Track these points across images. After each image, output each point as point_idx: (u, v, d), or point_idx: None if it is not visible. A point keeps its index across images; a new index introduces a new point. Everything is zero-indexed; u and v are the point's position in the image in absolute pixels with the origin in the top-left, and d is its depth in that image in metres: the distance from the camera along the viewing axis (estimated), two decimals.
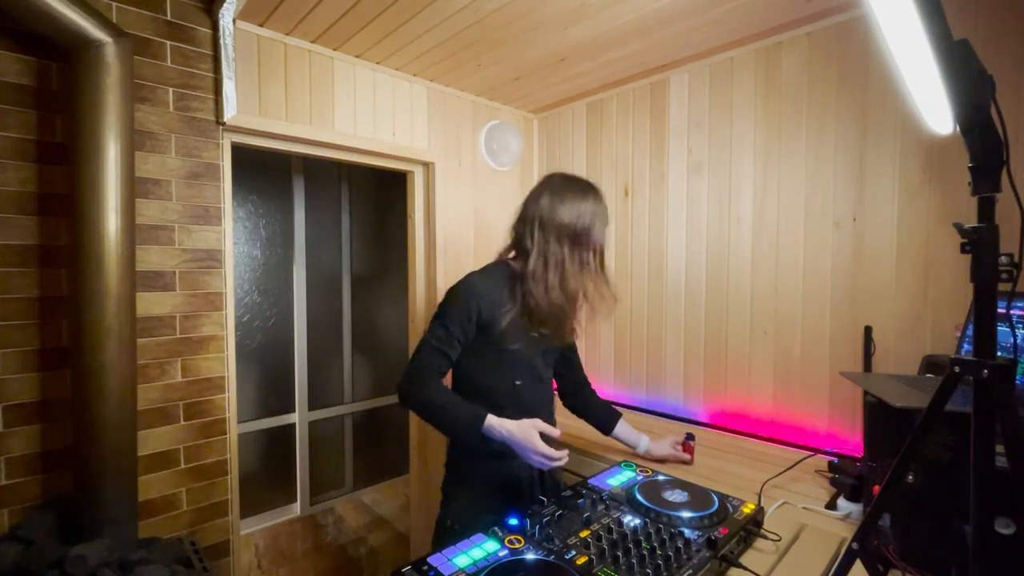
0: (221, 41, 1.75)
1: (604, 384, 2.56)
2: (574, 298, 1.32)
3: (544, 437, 1.20)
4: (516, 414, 1.24)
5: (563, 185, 1.35)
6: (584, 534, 1.02)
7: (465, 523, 1.23)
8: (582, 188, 1.35)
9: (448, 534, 1.28)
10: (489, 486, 1.33)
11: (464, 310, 1.28)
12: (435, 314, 1.33)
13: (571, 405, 1.66)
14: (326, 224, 3.20)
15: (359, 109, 2.19)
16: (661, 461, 1.64)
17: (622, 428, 1.64)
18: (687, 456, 1.64)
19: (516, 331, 1.31)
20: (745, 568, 0.98)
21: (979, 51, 0.70)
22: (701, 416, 2.17)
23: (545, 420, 1.31)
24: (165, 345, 1.70)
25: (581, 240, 1.31)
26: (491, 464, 1.32)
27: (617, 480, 1.29)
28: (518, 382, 1.35)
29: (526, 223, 1.33)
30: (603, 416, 1.65)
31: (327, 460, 3.20)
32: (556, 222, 1.30)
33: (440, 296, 1.43)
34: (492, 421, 1.20)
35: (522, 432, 1.18)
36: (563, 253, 1.30)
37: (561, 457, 1.18)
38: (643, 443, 1.64)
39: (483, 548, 0.97)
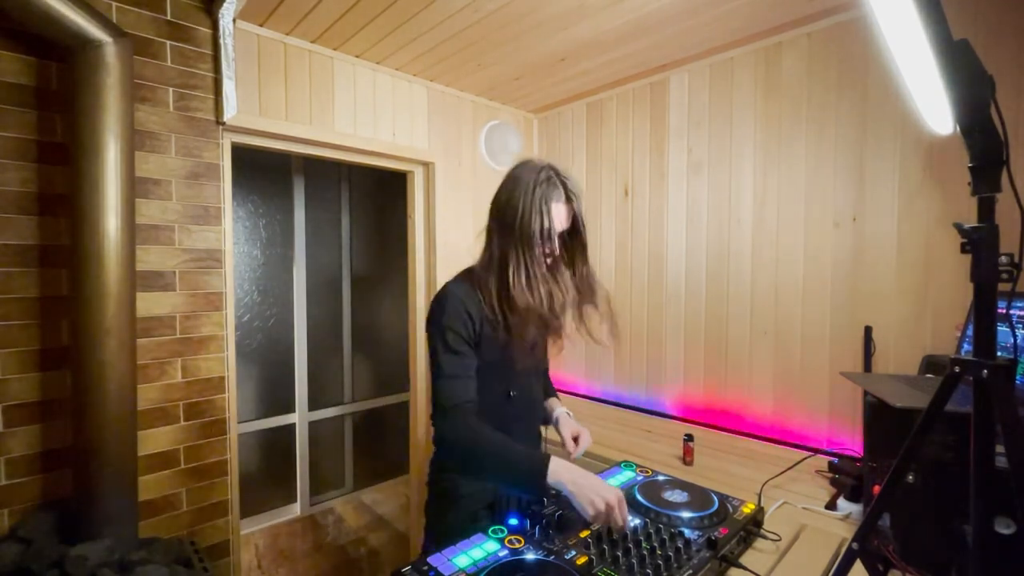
0: (221, 41, 1.75)
1: (604, 384, 2.56)
2: (532, 309, 1.11)
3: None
4: (509, 426, 1.13)
5: (509, 171, 1.18)
6: (584, 534, 1.02)
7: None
8: (516, 169, 1.17)
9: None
10: (476, 506, 1.19)
11: (460, 318, 1.12)
12: (431, 335, 1.15)
13: None
14: (326, 224, 3.20)
15: (359, 109, 2.19)
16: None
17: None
18: (573, 446, 1.30)
19: (497, 341, 1.15)
20: (745, 568, 0.98)
21: (979, 51, 0.70)
22: (701, 416, 2.17)
23: (533, 426, 1.29)
24: (165, 345, 1.70)
25: (522, 234, 1.10)
26: (478, 482, 1.19)
27: (617, 480, 1.29)
28: (513, 392, 1.21)
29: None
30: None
31: (327, 460, 3.20)
32: (495, 216, 1.17)
33: None
34: (557, 467, 1.00)
35: (589, 496, 0.97)
36: (509, 253, 1.12)
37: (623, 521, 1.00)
38: (556, 414, 1.38)
39: (483, 548, 0.97)
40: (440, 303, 1.15)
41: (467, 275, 1.21)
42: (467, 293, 1.16)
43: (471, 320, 1.13)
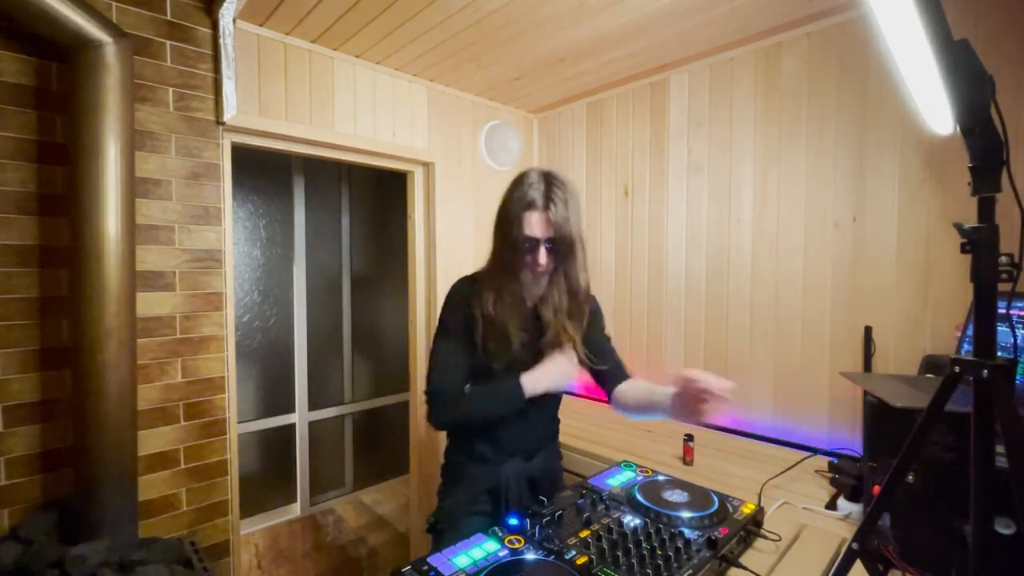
0: (221, 41, 1.74)
1: None
2: (496, 323, 1.16)
3: None
4: (491, 439, 1.24)
5: None
6: (584, 534, 1.02)
7: (450, 524, 1.22)
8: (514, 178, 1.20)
9: (433, 533, 1.26)
10: (477, 490, 1.26)
11: (454, 312, 1.21)
12: (437, 326, 1.26)
13: (617, 406, 1.30)
14: (326, 224, 3.20)
15: (359, 109, 2.19)
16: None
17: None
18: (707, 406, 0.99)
19: (497, 345, 1.18)
20: (745, 568, 0.98)
21: (979, 51, 0.70)
22: None
23: (530, 441, 1.31)
24: (165, 345, 1.70)
25: (503, 243, 1.17)
26: (481, 468, 1.26)
27: (617, 480, 1.29)
28: None
29: None
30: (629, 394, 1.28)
31: (327, 460, 3.20)
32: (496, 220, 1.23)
33: (439, 297, 1.39)
34: (528, 385, 1.15)
35: (561, 377, 1.19)
36: (493, 262, 1.22)
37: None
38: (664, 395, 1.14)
39: (483, 548, 0.97)
40: (446, 296, 1.26)
41: (475, 276, 1.28)
42: (466, 291, 1.24)
43: (462, 316, 1.20)
